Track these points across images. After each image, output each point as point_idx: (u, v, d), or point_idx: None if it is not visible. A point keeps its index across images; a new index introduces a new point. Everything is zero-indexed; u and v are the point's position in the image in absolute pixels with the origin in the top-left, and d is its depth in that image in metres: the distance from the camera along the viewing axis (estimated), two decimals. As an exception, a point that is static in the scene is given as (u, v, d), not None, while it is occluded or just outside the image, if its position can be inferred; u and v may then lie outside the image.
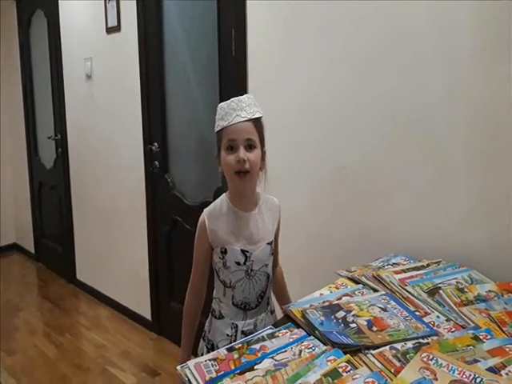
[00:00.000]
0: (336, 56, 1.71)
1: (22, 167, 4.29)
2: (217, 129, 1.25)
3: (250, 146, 1.22)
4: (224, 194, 1.34)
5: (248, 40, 2.01)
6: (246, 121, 1.21)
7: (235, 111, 1.21)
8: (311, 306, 1.16)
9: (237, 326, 1.32)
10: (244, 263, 1.29)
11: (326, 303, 1.17)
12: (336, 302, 1.17)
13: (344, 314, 1.09)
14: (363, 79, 1.65)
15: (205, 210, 1.32)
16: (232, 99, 1.23)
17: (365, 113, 1.65)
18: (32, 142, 4.13)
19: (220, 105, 1.26)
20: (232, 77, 2.12)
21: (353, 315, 1.08)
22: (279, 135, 1.89)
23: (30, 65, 4.04)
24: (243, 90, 2.02)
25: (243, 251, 1.29)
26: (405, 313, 1.09)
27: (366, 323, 1.05)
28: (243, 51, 2.03)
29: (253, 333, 1.26)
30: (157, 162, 2.66)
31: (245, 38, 2.02)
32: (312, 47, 1.79)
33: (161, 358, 2.65)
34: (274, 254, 1.41)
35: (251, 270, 1.31)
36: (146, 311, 2.95)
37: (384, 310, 1.11)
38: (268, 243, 1.34)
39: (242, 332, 1.31)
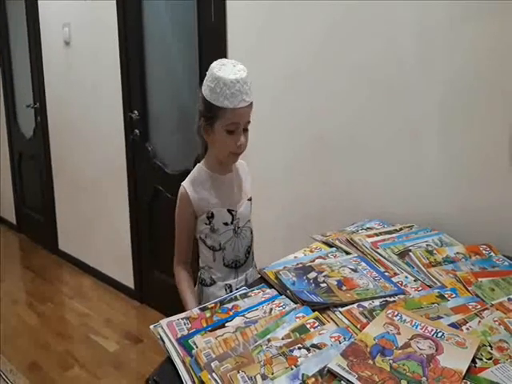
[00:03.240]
0: (314, 23, 1.69)
1: (1, 137, 4.20)
2: (216, 103, 1.19)
3: (245, 128, 1.25)
4: (199, 164, 1.35)
5: (227, 4, 1.97)
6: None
7: (241, 94, 1.18)
8: (285, 267, 1.18)
9: (230, 285, 1.36)
10: (231, 222, 1.33)
11: (299, 265, 1.19)
12: (309, 263, 1.19)
13: (315, 274, 1.11)
14: (340, 47, 1.64)
15: (183, 182, 1.32)
16: (237, 77, 1.16)
17: (341, 81, 1.65)
18: (11, 111, 4.03)
19: (222, 78, 1.17)
20: (212, 42, 2.09)
21: (324, 276, 1.11)
22: (258, 102, 1.88)
23: (6, 31, 3.90)
24: (223, 55, 1.99)
25: (229, 210, 1.32)
26: (374, 273, 1.12)
27: (336, 283, 1.07)
28: (223, 16, 1.99)
29: None
30: (137, 131, 2.63)
31: (224, 2, 1.97)
32: (291, 13, 1.76)
33: (144, 325, 2.68)
34: None
35: (238, 228, 1.35)
36: (128, 280, 2.97)
37: (354, 270, 1.13)
38: (248, 199, 1.39)
39: (237, 289, 1.33)
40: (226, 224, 1.32)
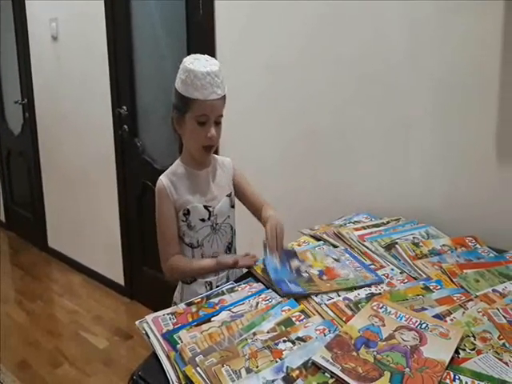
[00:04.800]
0: (302, 17, 1.69)
1: (-11, 134, 4.15)
2: (186, 94, 1.20)
3: (217, 122, 1.25)
4: (177, 160, 1.35)
5: (215, -2, 1.97)
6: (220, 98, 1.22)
7: (212, 86, 1.18)
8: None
9: (211, 283, 1.33)
10: (208, 218, 1.31)
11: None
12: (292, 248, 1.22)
13: (299, 264, 1.14)
14: (329, 41, 1.63)
15: (161, 176, 1.31)
16: (208, 70, 1.17)
17: (330, 75, 1.65)
18: (-2, 108, 4.00)
19: (193, 70, 1.17)
20: (200, 36, 2.07)
21: (307, 266, 1.12)
22: (247, 97, 1.88)
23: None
24: (211, 50, 1.98)
25: (206, 207, 1.31)
26: (356, 264, 1.13)
27: (317, 273, 1.09)
28: (211, 10, 1.98)
29: None
30: (126, 126, 2.61)
31: (212, -3, 1.97)
32: (280, 6, 1.75)
33: (133, 321, 2.62)
34: (257, 197, 1.42)
35: (216, 224, 1.33)
36: (118, 277, 2.96)
37: (337, 260, 1.14)
38: (227, 195, 1.36)
39: (217, 287, 1.32)
40: (202, 220, 1.30)
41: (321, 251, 1.19)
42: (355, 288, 1.02)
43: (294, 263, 1.12)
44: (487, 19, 1.29)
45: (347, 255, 1.17)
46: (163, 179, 1.29)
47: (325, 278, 1.06)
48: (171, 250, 1.30)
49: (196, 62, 1.19)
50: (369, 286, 1.03)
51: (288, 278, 1.05)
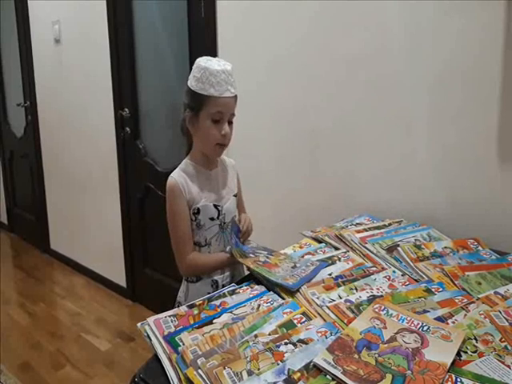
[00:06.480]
0: (303, 16, 1.69)
1: (-9, 136, 4.17)
2: (201, 92, 1.22)
3: (230, 121, 1.27)
4: (185, 159, 1.35)
5: (217, 0, 1.96)
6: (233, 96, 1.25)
7: (226, 84, 1.21)
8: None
9: (217, 281, 1.34)
10: (217, 217, 1.33)
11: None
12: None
13: (265, 252, 1.26)
14: (329, 40, 1.63)
15: (172, 174, 1.31)
16: (223, 68, 1.21)
17: (331, 75, 1.65)
18: (1, 110, 4.01)
19: (208, 68, 1.20)
20: (202, 38, 2.08)
21: (266, 255, 1.23)
22: (248, 96, 1.87)
23: (-4, 29, 3.88)
24: (213, 52, 1.99)
25: (215, 206, 1.33)
26: (304, 274, 1.11)
27: (262, 260, 1.20)
28: (212, 12, 1.98)
29: None
30: (128, 128, 2.61)
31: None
32: (280, 8, 1.75)
33: (135, 323, 2.64)
34: (242, 204, 1.50)
35: (224, 223, 1.35)
36: (121, 279, 2.96)
37: (294, 266, 1.15)
38: (234, 195, 1.39)
39: (223, 286, 1.34)
40: (212, 219, 1.32)
41: (295, 259, 1.20)
42: (261, 275, 1.09)
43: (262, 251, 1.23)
44: (487, 19, 1.29)
45: (310, 268, 1.15)
46: (175, 177, 1.29)
47: (261, 263, 1.16)
48: (188, 247, 1.31)
49: (210, 62, 1.23)
50: (276, 283, 1.06)
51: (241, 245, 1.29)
